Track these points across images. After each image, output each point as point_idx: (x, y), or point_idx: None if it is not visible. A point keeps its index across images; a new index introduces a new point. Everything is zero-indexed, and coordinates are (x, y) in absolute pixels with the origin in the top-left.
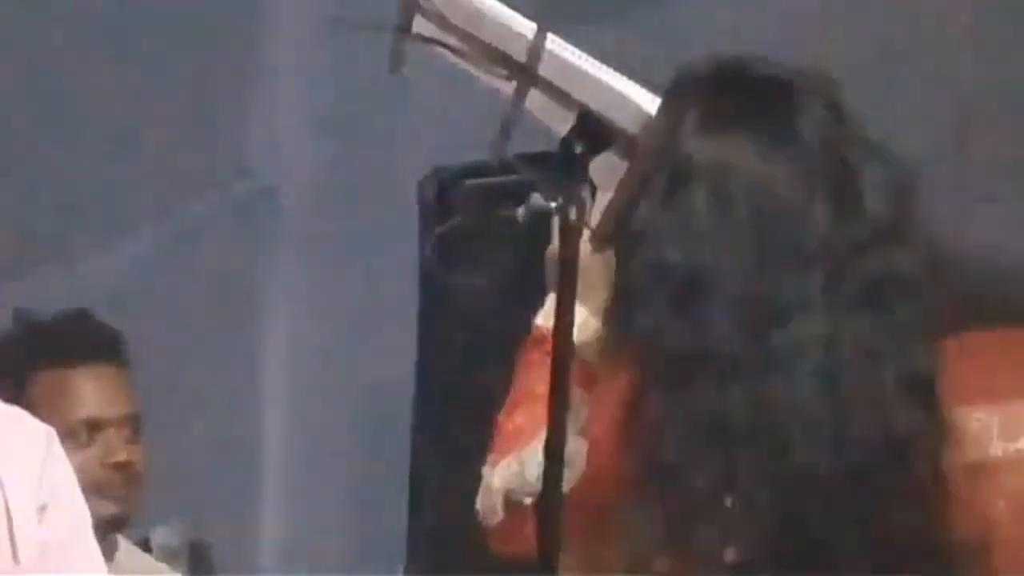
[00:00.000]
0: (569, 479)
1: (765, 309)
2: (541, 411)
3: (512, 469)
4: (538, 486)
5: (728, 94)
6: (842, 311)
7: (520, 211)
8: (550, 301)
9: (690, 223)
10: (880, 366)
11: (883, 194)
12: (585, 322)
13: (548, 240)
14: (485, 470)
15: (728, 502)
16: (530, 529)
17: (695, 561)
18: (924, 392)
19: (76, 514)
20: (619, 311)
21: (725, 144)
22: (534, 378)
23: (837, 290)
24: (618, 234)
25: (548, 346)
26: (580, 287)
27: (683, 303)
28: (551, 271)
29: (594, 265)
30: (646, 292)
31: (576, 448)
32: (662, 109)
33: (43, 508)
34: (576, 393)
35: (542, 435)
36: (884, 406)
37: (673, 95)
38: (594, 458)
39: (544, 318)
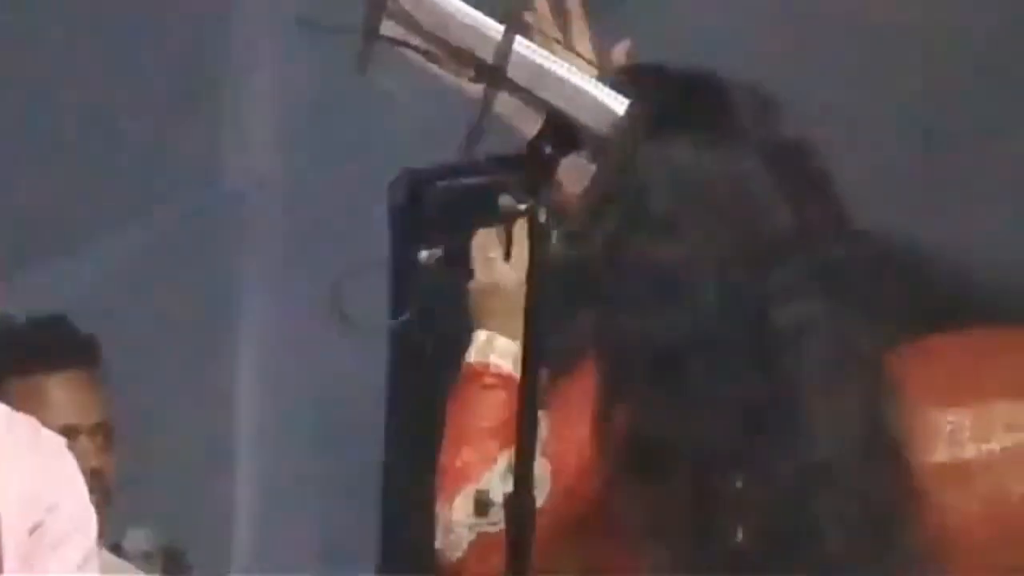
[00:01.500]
0: (536, 500)
1: (743, 297)
2: (489, 444)
3: (471, 503)
4: (501, 513)
5: (657, 100)
6: (813, 298)
7: (424, 255)
8: (479, 336)
9: (655, 222)
10: (848, 357)
11: (823, 188)
12: (518, 355)
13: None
14: (439, 509)
15: (738, 483)
16: (497, 558)
17: (705, 543)
18: (885, 389)
19: (79, 522)
20: (590, 315)
21: (670, 144)
22: (473, 414)
23: (806, 278)
24: (585, 237)
25: (483, 381)
26: (504, 315)
27: (661, 298)
28: (474, 305)
29: (516, 291)
30: (623, 293)
31: (540, 469)
32: (628, 111)
33: (36, 527)
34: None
35: (496, 465)
36: (856, 396)
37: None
38: (560, 475)
39: (476, 354)
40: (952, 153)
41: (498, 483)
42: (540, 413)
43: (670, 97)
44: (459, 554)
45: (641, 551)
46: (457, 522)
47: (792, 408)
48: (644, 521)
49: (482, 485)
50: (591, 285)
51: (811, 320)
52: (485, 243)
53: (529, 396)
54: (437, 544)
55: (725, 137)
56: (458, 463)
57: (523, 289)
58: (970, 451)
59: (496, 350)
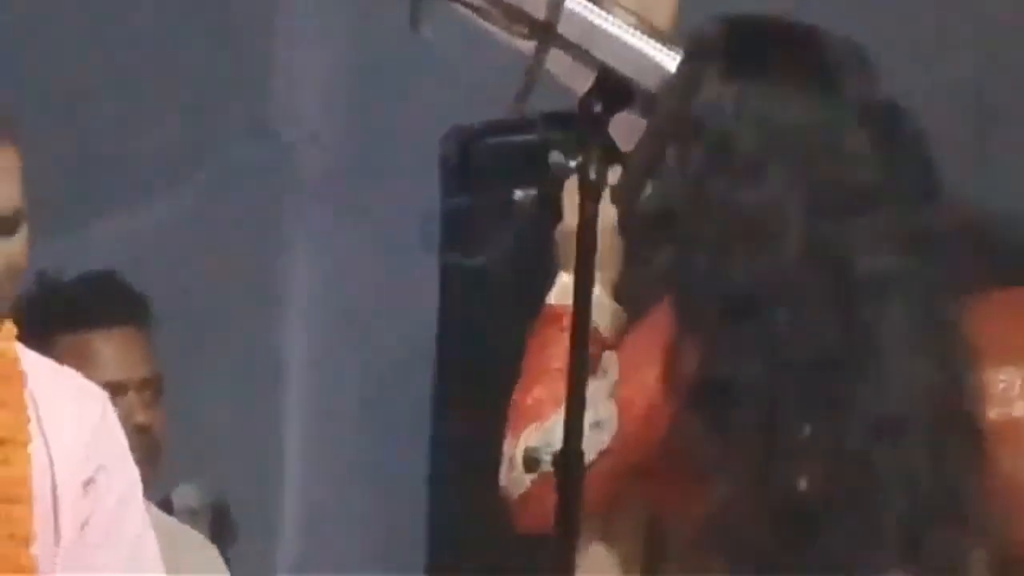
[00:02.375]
0: (602, 441)
1: (824, 246)
2: (560, 385)
3: (535, 437)
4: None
5: (752, 50)
6: (896, 254)
7: (519, 194)
8: (562, 278)
9: (740, 166)
10: (927, 317)
11: (915, 151)
12: (598, 299)
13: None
14: (506, 445)
15: (806, 431)
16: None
17: (767, 488)
18: (963, 353)
19: (127, 482)
20: (671, 260)
21: (761, 90)
22: (549, 355)
23: (891, 234)
24: (638, 193)
25: (563, 323)
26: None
27: (742, 242)
28: (562, 248)
29: (605, 240)
30: (704, 235)
31: (608, 411)
32: (681, 68)
33: (89, 482)
34: (605, 356)
35: (560, 409)
36: (932, 357)
37: (692, 57)
38: (628, 416)
39: (557, 296)
40: (1006, 126)
41: (556, 432)
42: (611, 355)
43: (764, 46)
44: (522, 491)
45: (703, 493)
46: (521, 456)
47: (866, 362)
48: (708, 462)
49: (534, 442)
50: (672, 227)
51: (893, 276)
52: (576, 188)
53: (580, 354)
54: (501, 481)
55: (819, 87)
56: (529, 401)
57: (608, 235)
58: (1019, 409)
59: None
